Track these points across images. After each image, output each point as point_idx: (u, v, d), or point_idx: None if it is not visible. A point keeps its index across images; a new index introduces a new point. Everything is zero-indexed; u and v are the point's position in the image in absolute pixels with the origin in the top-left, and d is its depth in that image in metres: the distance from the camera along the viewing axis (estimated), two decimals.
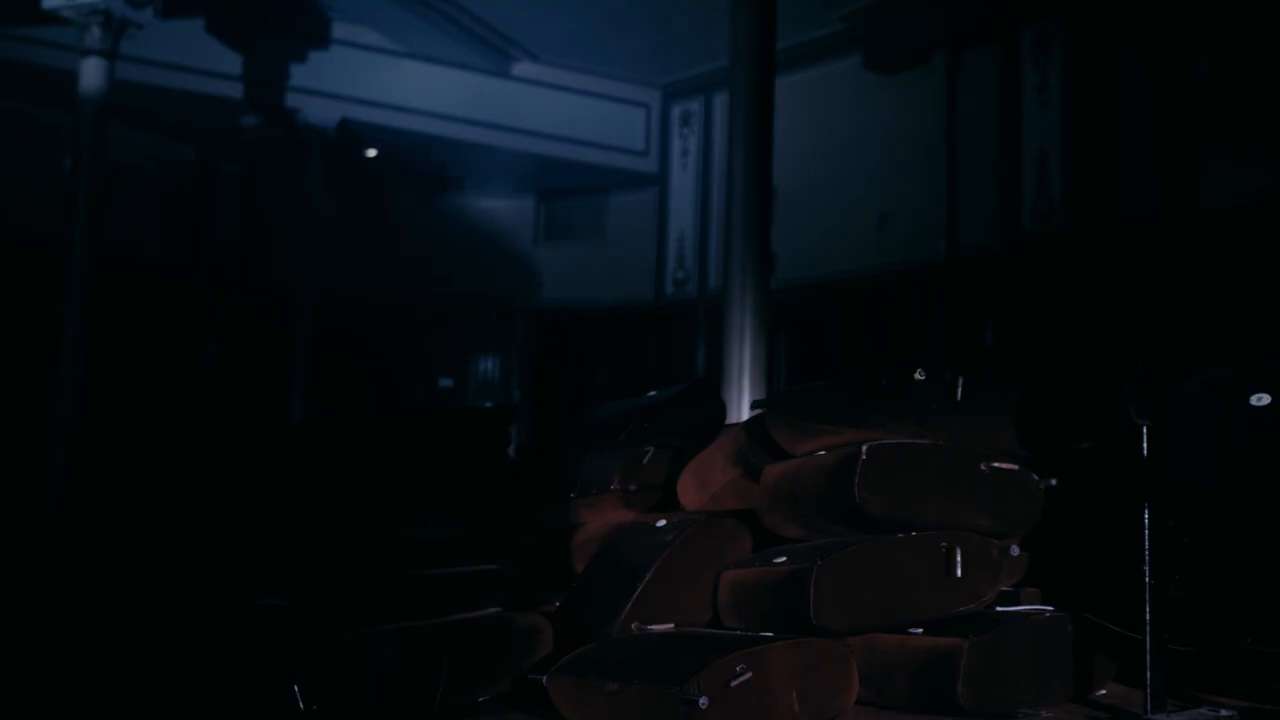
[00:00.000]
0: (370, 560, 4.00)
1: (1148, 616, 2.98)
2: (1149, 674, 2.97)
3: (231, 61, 10.87)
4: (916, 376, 3.53)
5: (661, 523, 3.76)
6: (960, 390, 3.48)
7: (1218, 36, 9.39)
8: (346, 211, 12.46)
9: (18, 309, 9.71)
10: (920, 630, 3.18)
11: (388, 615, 3.64)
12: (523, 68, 12.51)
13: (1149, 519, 2.99)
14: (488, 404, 12.48)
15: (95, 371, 9.27)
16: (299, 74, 11.21)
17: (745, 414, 5.09)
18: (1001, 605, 3.38)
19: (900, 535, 3.29)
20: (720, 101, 11.64)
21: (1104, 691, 3.36)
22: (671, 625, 3.42)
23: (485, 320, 13.17)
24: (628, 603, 3.46)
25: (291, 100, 11.29)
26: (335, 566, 3.98)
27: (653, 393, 4.57)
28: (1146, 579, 2.99)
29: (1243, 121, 9.10)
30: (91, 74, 9.23)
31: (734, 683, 2.86)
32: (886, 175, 11.41)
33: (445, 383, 12.99)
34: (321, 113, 11.48)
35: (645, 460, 4.13)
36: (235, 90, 11.05)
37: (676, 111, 13.25)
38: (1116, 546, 3.09)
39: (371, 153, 12.39)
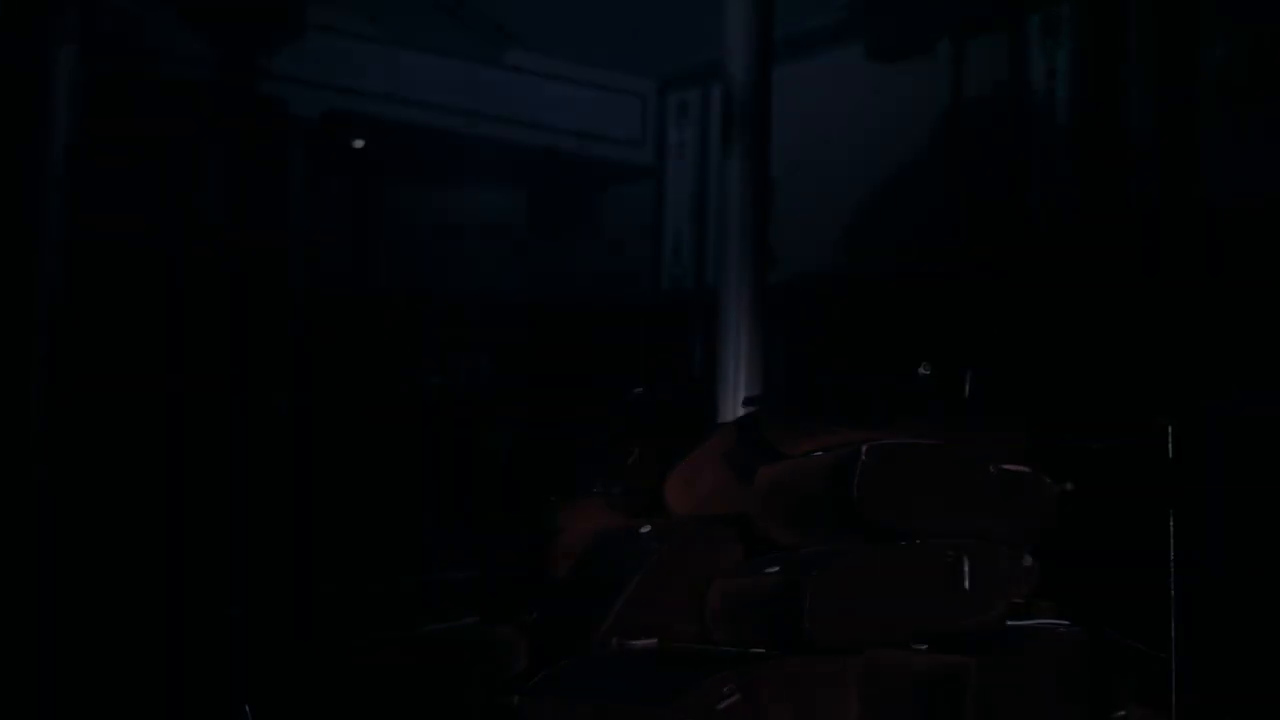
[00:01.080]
0: (344, 566, 3.98)
1: (1173, 632, 2.90)
2: (1174, 694, 2.88)
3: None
4: (921, 371, 3.42)
5: (646, 529, 3.60)
6: (967, 388, 3.36)
7: (1227, 24, 9.34)
8: (332, 204, 12.43)
9: None
10: (924, 646, 3.04)
11: (356, 625, 3.60)
12: (515, 56, 12.49)
13: (1174, 526, 2.87)
14: (475, 403, 12.49)
15: (74, 369, 9.18)
16: (283, 63, 11.15)
17: (738, 412, 4.94)
18: (1013, 619, 3.26)
19: (903, 543, 3.16)
20: (718, 92, 11.57)
21: (1124, 712, 3.23)
22: (655, 640, 3.27)
23: (476, 316, 13.13)
24: (608, 615, 3.29)
25: (276, 89, 11.24)
26: (309, 572, 3.98)
27: (639, 389, 4.47)
28: (1172, 591, 2.86)
29: (1254, 111, 9.04)
30: (66, 59, 9.17)
31: (721, 705, 2.74)
32: (889, 167, 11.36)
33: (435, 380, 12.96)
34: (306, 102, 11.44)
35: (631, 461, 4.02)
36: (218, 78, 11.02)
37: (673, 102, 13.20)
38: (1138, 556, 2.96)
39: (358, 143, 12.36)
